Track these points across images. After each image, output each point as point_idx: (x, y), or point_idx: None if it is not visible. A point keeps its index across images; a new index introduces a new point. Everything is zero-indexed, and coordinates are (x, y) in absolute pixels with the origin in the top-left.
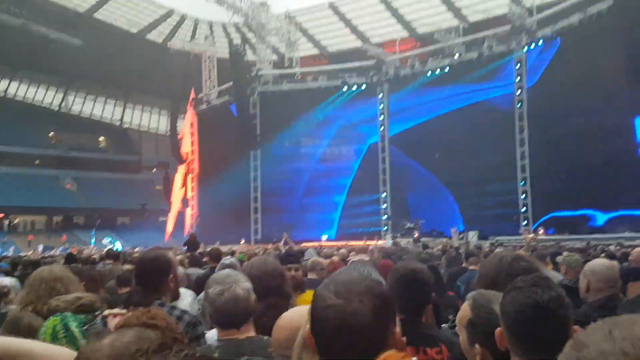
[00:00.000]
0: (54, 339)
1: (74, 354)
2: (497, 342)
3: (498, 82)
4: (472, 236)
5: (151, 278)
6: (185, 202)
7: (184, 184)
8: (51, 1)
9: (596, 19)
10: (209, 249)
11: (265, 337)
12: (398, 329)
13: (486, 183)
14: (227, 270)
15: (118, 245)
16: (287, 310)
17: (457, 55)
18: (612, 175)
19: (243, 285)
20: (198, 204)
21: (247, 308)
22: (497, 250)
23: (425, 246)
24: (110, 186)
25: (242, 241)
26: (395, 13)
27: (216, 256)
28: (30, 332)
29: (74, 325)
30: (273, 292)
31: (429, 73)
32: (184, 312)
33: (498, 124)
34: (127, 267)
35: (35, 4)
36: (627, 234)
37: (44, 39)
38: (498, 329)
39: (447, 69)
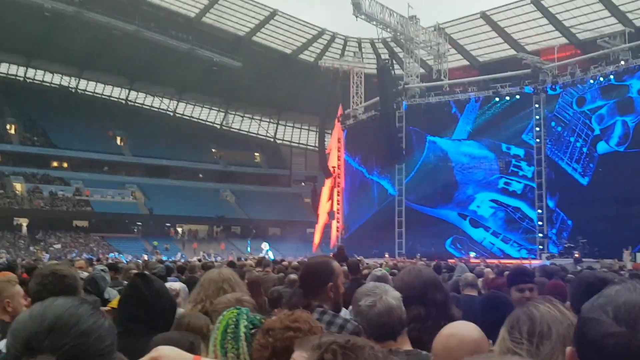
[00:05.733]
0: (224, 332)
1: None
2: None
3: None
4: None
5: (311, 283)
6: (331, 214)
7: (330, 197)
8: (216, 27)
9: None
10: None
11: (424, 352)
12: None
13: None
14: (373, 282)
15: (271, 255)
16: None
17: (622, 62)
18: None
19: (393, 294)
20: (343, 217)
21: (401, 318)
22: None
23: (589, 268)
24: (263, 199)
25: (387, 255)
26: (552, 19)
27: (355, 269)
28: (193, 331)
29: (243, 324)
30: (423, 302)
31: (591, 81)
32: (347, 320)
33: None
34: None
35: (201, 31)
36: None
37: (208, 62)
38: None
39: (611, 77)
